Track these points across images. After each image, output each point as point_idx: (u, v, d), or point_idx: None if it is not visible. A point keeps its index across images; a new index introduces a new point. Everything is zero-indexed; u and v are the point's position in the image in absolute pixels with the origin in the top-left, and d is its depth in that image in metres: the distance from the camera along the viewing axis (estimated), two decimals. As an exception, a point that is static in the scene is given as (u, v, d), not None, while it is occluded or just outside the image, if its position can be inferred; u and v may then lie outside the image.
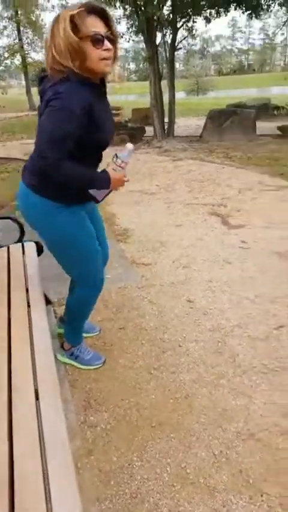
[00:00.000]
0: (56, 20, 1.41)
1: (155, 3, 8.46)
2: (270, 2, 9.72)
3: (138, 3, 8.88)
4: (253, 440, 1.58)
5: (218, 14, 10.29)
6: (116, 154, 1.63)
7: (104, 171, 1.60)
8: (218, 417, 1.69)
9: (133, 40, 12.44)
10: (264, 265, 2.95)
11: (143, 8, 8.86)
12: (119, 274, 2.92)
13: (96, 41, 1.42)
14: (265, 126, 10.02)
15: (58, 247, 1.71)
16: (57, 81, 1.43)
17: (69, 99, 1.39)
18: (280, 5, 9.94)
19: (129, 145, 1.63)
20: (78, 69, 1.43)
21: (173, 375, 1.94)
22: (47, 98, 1.43)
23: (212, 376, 1.91)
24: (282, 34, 75.80)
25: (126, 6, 9.68)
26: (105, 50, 1.44)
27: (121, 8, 9.86)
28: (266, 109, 14.60)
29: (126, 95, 28.47)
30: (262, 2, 9.78)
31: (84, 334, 2.15)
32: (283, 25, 17.53)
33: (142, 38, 9.84)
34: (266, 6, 9.95)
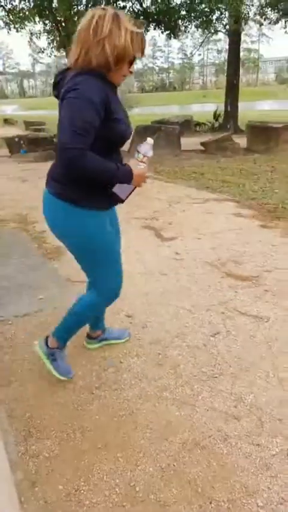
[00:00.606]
0: (115, 22, 1.46)
1: (75, 19, 8.58)
2: (187, 23, 10.36)
3: (59, 19, 8.94)
4: (199, 449, 1.63)
5: (138, 33, 10.71)
6: (136, 149, 1.63)
7: (126, 164, 1.62)
8: (164, 430, 1.72)
9: (55, 55, 12.42)
10: (197, 275, 3.08)
11: (63, 24, 8.94)
12: (53, 294, 2.86)
13: (132, 63, 1.57)
14: (189, 142, 10.54)
15: (80, 251, 1.75)
16: (75, 73, 1.48)
17: (87, 89, 1.43)
18: (196, 26, 10.64)
19: (150, 140, 1.64)
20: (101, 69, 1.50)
21: (115, 392, 1.93)
22: (63, 90, 1.47)
23: (155, 390, 1.94)
24: (200, 54, 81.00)
25: (46, 22, 9.69)
26: (130, 71, 1.59)
27: (41, 22, 9.85)
28: (188, 125, 15.37)
29: (48, 110, 28.16)
30: (180, 23, 10.39)
31: (115, 341, 2.25)
32: (200, 46, 18.76)
33: (64, 53, 9.89)
34: (183, 27, 10.59)
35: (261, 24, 14.34)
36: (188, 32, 11.44)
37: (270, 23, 13.82)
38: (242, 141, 9.84)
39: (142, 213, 4.73)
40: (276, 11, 12.95)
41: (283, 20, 13.36)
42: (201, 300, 2.73)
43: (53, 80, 1.66)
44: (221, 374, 2.03)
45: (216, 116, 15.87)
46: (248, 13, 12.15)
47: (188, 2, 9.59)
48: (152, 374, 2.04)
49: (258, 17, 13.49)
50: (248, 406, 1.83)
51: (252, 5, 12.72)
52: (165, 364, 2.11)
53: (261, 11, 13.09)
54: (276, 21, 13.38)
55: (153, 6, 10.08)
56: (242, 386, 1.95)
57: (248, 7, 11.79)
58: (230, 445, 1.64)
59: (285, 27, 13.63)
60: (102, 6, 1.56)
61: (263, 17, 13.43)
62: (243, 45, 16.66)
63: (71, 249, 1.76)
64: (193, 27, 10.59)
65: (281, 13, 12.81)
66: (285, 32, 13.97)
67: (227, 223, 4.23)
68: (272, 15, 13.36)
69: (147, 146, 1.64)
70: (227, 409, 1.82)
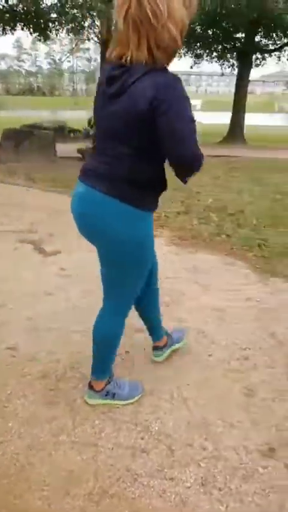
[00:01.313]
0: None
1: None
2: (58, 27, 10.19)
3: None
4: (107, 498, 1.45)
5: (4, 31, 10.18)
6: None
7: None
8: (64, 483, 1.49)
9: None
10: (88, 291, 2.90)
11: None
12: None
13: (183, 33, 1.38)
14: (64, 148, 10.33)
15: (128, 257, 1.59)
16: (142, 73, 1.32)
17: (178, 88, 1.33)
18: (68, 31, 10.51)
19: None
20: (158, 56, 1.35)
21: (0, 446, 1.62)
22: (149, 101, 1.31)
23: (49, 435, 1.69)
24: (69, 61, 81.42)
25: None
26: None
27: None
28: (62, 131, 15.16)
29: None
30: (50, 25, 10.16)
31: (179, 345, 2.23)
32: (71, 52, 18.75)
33: None
34: (54, 31, 10.38)
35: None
36: (58, 35, 11.28)
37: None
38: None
39: (18, 225, 4.35)
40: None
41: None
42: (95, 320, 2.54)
43: (106, 75, 1.43)
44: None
45: (91, 123, 15.99)
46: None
47: (59, 5, 9.43)
48: (45, 415, 1.79)
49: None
50: (155, 434, 1.72)
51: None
52: (59, 402, 1.87)
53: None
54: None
55: (20, 5, 9.64)
56: (147, 413, 1.83)
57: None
58: (142, 485, 1.50)
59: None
60: None
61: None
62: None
63: (114, 254, 1.58)
64: (64, 31, 10.44)
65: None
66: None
67: (113, 234, 4.14)
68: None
69: None
70: (134, 442, 1.68)
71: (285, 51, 16.10)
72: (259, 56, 16.40)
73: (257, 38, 15.45)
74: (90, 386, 1.84)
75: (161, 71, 1.35)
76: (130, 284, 1.70)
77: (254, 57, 16.16)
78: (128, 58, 1.34)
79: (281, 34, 14.91)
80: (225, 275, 3.27)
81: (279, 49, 15.91)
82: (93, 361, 1.83)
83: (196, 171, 1.41)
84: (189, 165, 1.38)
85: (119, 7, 1.31)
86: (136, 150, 1.42)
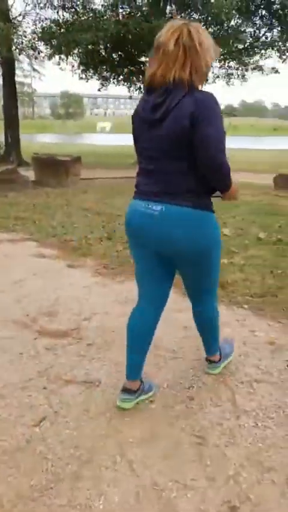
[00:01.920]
0: (204, 32, 1.63)
1: None
2: None
3: None
4: None
5: None
6: None
7: None
8: None
9: None
10: (3, 340, 2.52)
11: None
12: None
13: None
14: None
15: (213, 256, 1.83)
16: (184, 93, 1.57)
17: (213, 102, 1.58)
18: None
19: None
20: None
21: None
22: (190, 115, 1.54)
23: None
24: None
25: None
26: None
27: None
28: None
29: None
30: None
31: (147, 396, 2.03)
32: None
33: None
34: None
35: (36, 58, 14.71)
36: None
37: (44, 57, 14.32)
38: (29, 174, 9.57)
39: None
40: (49, 46, 13.46)
41: (57, 56, 13.99)
42: (14, 375, 2.19)
43: (151, 104, 1.65)
44: (58, 480, 1.57)
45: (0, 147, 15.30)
46: (22, 42, 12.24)
47: None
48: None
49: (31, 51, 13.75)
50: (100, 516, 1.44)
51: (25, 37, 12.91)
52: (-25, 493, 1.50)
53: (33, 44, 13.40)
54: (50, 57, 13.90)
55: None
56: (87, 489, 1.54)
57: (20, 37, 11.87)
58: None
59: (59, 64, 14.35)
60: (178, 19, 1.52)
61: (36, 50, 13.81)
62: (16, 79, 16.53)
63: (203, 256, 1.79)
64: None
65: (53, 50, 13.37)
66: (60, 68, 14.73)
67: (30, 268, 3.78)
68: (45, 50, 13.85)
69: None
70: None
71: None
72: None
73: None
74: (210, 361, 2.22)
75: (197, 90, 1.62)
76: (217, 269, 1.94)
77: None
78: (171, 77, 1.59)
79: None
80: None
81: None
82: (207, 343, 2.17)
83: (225, 177, 1.62)
84: (217, 171, 1.60)
85: (170, 34, 1.59)
86: (192, 163, 1.62)
